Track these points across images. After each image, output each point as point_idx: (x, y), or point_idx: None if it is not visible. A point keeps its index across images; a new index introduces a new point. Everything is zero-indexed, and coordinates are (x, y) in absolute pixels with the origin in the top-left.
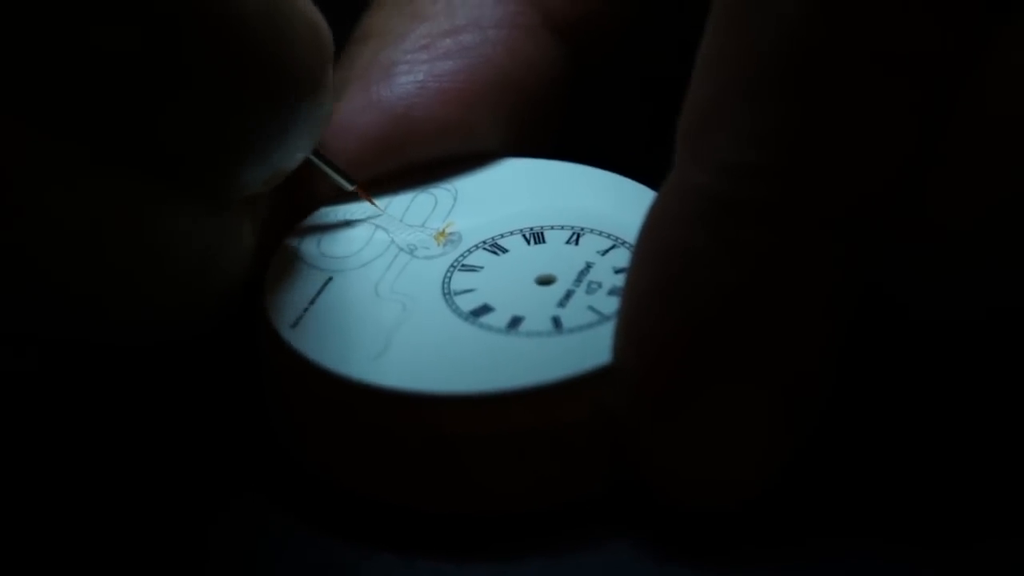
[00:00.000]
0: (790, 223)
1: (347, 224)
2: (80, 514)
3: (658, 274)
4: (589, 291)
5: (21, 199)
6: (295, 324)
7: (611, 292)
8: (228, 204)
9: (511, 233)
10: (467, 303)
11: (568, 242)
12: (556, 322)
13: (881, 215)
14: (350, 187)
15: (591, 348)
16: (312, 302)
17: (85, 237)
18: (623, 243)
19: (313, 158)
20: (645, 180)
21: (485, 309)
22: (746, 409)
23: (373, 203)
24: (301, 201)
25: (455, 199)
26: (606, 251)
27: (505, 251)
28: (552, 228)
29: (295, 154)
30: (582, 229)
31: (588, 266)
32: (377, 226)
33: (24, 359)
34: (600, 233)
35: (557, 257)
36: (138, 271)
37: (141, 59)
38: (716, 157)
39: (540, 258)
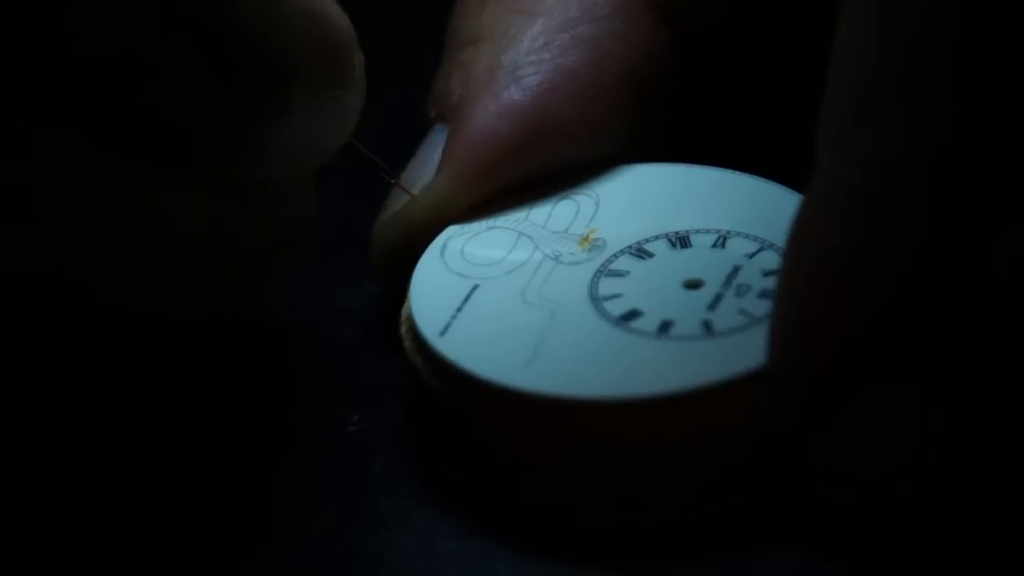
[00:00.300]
0: (944, 217)
1: (490, 233)
2: (81, 505)
3: (813, 275)
4: (739, 294)
5: (15, 188)
6: (443, 332)
7: (761, 295)
8: (240, 191)
9: (656, 238)
10: (615, 308)
11: (714, 246)
12: (707, 326)
13: None
14: (391, 180)
15: (743, 351)
16: (459, 310)
17: (80, 220)
18: (770, 245)
19: (354, 144)
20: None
21: (634, 314)
22: (904, 407)
23: (409, 192)
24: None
25: (597, 205)
26: (753, 254)
27: (651, 256)
28: (697, 232)
29: (315, 147)
30: (728, 232)
31: (736, 269)
32: (521, 233)
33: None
34: (746, 236)
35: (703, 261)
36: (135, 254)
37: (127, 50)
38: (864, 153)
39: (686, 262)
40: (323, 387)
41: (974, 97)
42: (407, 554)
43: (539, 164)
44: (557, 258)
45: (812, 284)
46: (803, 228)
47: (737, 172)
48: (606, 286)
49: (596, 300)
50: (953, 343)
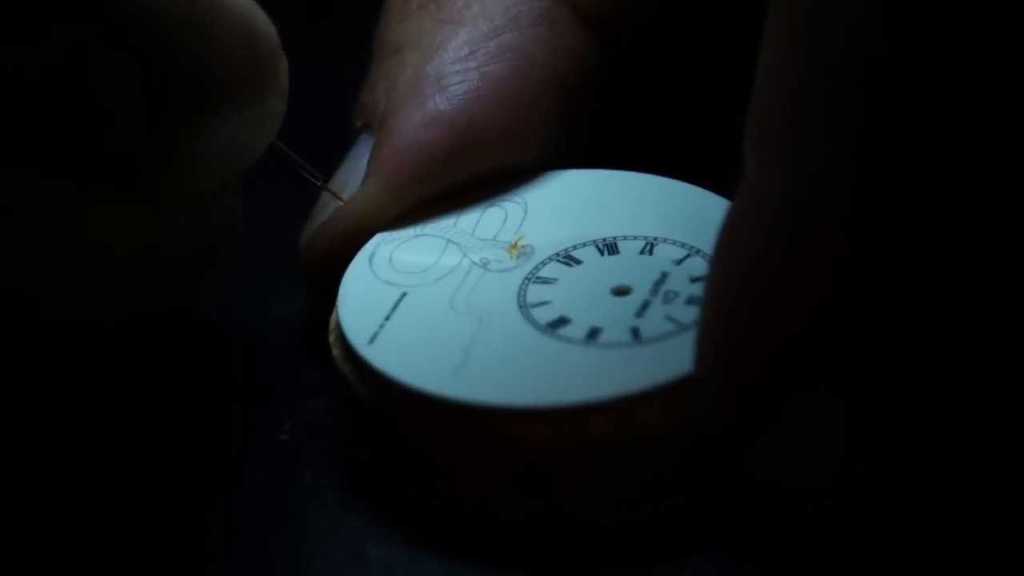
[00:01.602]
0: (868, 228)
1: (418, 241)
2: (53, 508)
3: (738, 284)
4: (666, 301)
5: None
6: (372, 340)
7: (689, 301)
8: (169, 203)
9: (584, 244)
10: (543, 315)
11: (642, 252)
12: (635, 333)
13: (956, 217)
14: (318, 182)
15: (671, 358)
16: (388, 318)
17: (12, 238)
18: (698, 251)
19: (279, 147)
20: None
21: (562, 321)
22: (829, 416)
23: (337, 196)
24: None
25: (525, 212)
26: (681, 260)
27: (579, 262)
28: (625, 238)
29: (241, 154)
30: (656, 239)
31: (664, 275)
32: (449, 241)
33: None
34: (674, 242)
35: (632, 267)
36: (67, 271)
37: (52, 70)
38: (789, 164)
39: (615, 269)
40: (253, 395)
41: (894, 111)
42: (337, 562)
43: (466, 172)
44: (485, 265)
45: (737, 292)
46: (729, 235)
47: (666, 178)
48: (534, 293)
49: (524, 307)
50: (877, 353)
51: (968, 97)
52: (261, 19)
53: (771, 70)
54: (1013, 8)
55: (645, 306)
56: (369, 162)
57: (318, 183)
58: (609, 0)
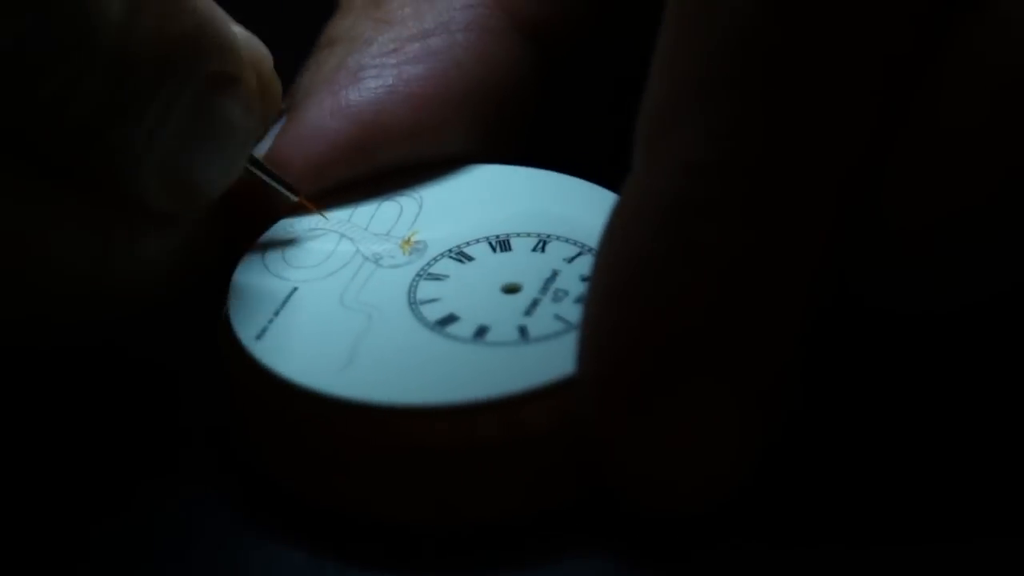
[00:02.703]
0: (746, 221)
1: (312, 234)
2: (16, 513)
3: (618, 279)
4: (555, 299)
5: None
6: (260, 336)
7: (578, 300)
8: (127, 210)
9: (477, 241)
10: (433, 312)
11: (534, 249)
12: (522, 331)
13: (839, 212)
14: (294, 199)
15: (557, 357)
16: (277, 313)
17: None
18: (589, 250)
19: (253, 169)
20: (613, 186)
21: (451, 319)
22: (710, 412)
23: (322, 214)
24: (257, 213)
25: (420, 207)
26: (572, 258)
27: (471, 259)
28: (518, 235)
29: (203, 165)
30: (548, 236)
31: (555, 274)
32: (343, 235)
33: None
34: (567, 240)
35: (523, 265)
36: (21, 278)
37: (15, 56)
38: (671, 158)
39: (506, 266)
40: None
41: (776, 106)
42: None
43: (367, 165)
44: (377, 261)
45: (617, 287)
46: (612, 232)
47: (562, 174)
48: (424, 290)
49: (414, 304)
50: (756, 349)
51: (857, 92)
52: (207, 16)
53: (662, 67)
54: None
55: (534, 304)
56: (273, 142)
57: (295, 199)
58: (548, 12)
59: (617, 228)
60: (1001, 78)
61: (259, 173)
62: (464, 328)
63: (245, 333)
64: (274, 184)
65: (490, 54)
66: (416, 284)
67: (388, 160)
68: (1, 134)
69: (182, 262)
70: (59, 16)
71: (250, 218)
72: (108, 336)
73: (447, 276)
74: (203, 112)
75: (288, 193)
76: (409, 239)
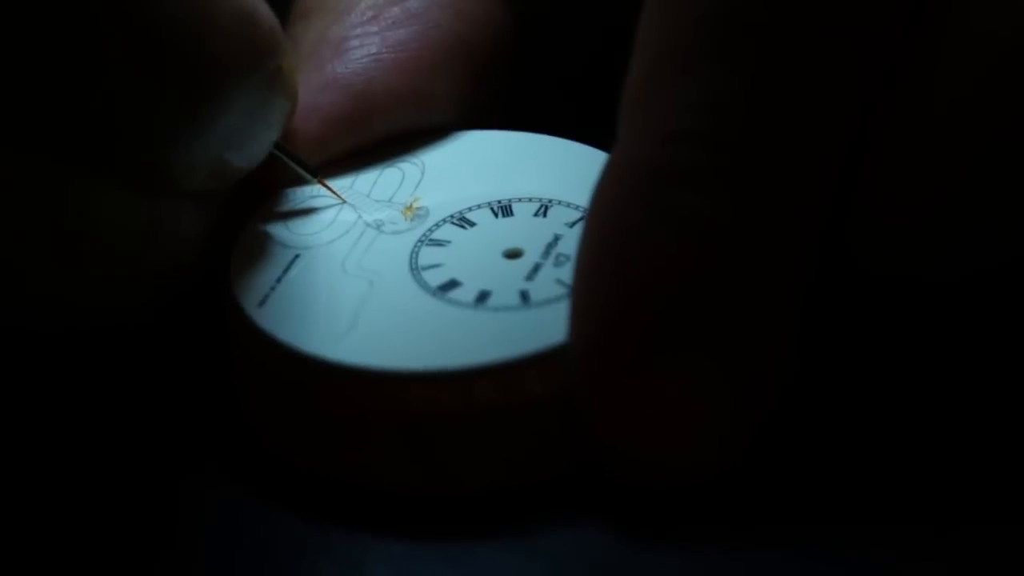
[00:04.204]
0: (726, 190)
1: (315, 201)
2: (37, 490)
3: (600, 248)
4: (557, 264)
5: None
6: (262, 303)
7: None
8: (165, 193)
9: (479, 206)
10: (434, 278)
11: (536, 214)
12: (524, 296)
13: (822, 182)
14: (313, 180)
15: (559, 322)
16: (279, 280)
17: (8, 221)
18: None
19: (275, 151)
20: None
21: (452, 284)
22: (696, 384)
23: (337, 194)
24: (264, 185)
25: (422, 173)
26: (574, 223)
27: (473, 225)
28: (520, 200)
29: (246, 151)
30: (550, 201)
31: (556, 238)
32: (346, 203)
33: None
34: (568, 205)
35: (525, 230)
36: (63, 255)
37: (53, 50)
38: (652, 127)
39: (508, 231)
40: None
41: (754, 74)
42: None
43: (362, 136)
44: (379, 227)
45: (600, 256)
46: (595, 201)
47: (564, 140)
48: (426, 256)
49: (416, 270)
50: (738, 317)
51: (835, 62)
52: (263, 10)
53: (645, 37)
54: None
55: (536, 269)
56: None
57: (314, 180)
58: None
59: (602, 196)
60: (995, 49)
61: (280, 155)
62: (466, 293)
63: (247, 300)
64: (293, 165)
65: (469, 13)
66: (418, 250)
67: (381, 129)
68: (52, 126)
69: (213, 236)
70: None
71: (260, 189)
72: (142, 316)
73: (449, 242)
74: (261, 106)
75: (307, 174)
76: (411, 205)
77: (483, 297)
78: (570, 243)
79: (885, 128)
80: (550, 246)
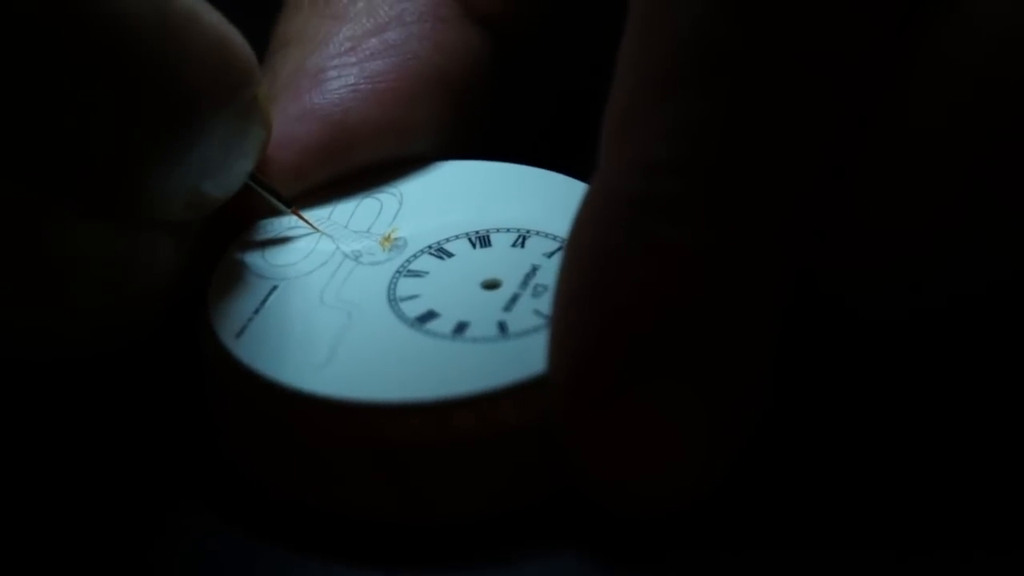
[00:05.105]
0: (703, 219)
1: (292, 232)
2: (13, 522)
3: (579, 278)
4: (535, 295)
5: None
6: (240, 334)
7: None
8: (142, 223)
9: (456, 237)
10: (412, 309)
11: (514, 245)
12: (502, 327)
13: (799, 210)
14: (287, 211)
15: (537, 353)
16: (257, 311)
17: None
18: None
19: (251, 183)
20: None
21: (430, 315)
22: (672, 414)
23: (312, 225)
24: (241, 215)
25: (400, 203)
26: (552, 253)
27: (451, 255)
28: (498, 231)
29: (218, 177)
30: (528, 231)
31: (534, 269)
32: (323, 233)
33: None
34: (546, 235)
35: (503, 260)
36: (38, 286)
37: (27, 81)
38: (632, 157)
39: (486, 262)
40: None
41: (733, 104)
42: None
43: (340, 166)
44: (357, 258)
45: (578, 286)
46: (575, 230)
47: (541, 170)
48: (404, 287)
49: (394, 301)
50: (715, 347)
51: (813, 92)
52: (238, 41)
53: (624, 66)
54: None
55: (514, 300)
56: None
57: (288, 211)
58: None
59: (581, 226)
60: (969, 77)
61: (254, 186)
62: (444, 324)
63: (225, 331)
64: (267, 195)
65: (447, 44)
66: (396, 281)
67: (359, 160)
68: (27, 157)
69: (190, 267)
70: (89, 22)
71: (237, 219)
72: (118, 346)
73: (427, 272)
74: (237, 136)
75: (281, 205)
76: (389, 236)
77: (461, 328)
78: (548, 274)
79: (861, 155)
80: (528, 276)
